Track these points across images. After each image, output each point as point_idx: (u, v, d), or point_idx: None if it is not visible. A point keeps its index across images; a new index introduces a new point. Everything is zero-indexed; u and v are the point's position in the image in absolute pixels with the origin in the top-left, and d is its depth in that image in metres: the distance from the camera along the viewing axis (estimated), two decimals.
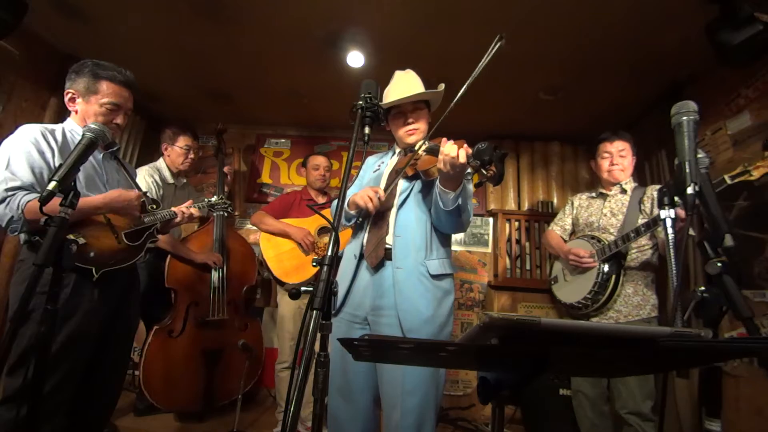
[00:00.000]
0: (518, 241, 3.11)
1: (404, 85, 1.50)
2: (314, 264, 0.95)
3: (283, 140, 3.54)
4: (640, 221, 1.88)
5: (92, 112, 1.50)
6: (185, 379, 2.34)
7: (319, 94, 2.88)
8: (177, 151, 2.52)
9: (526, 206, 3.23)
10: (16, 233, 1.35)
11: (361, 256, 1.46)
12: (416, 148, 1.42)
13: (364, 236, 1.46)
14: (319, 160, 2.75)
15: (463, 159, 1.15)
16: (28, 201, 1.29)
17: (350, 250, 1.52)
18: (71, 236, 1.30)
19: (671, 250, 1.00)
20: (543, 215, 3.13)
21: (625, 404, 1.82)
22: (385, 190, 1.41)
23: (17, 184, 1.32)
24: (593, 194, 2.21)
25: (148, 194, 1.63)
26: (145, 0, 2.04)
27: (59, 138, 1.46)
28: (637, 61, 2.25)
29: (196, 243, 2.58)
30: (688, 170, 0.94)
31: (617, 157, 2.05)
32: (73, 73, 1.52)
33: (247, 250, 2.82)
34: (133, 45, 2.39)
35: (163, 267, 2.41)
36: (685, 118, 1.01)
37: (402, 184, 1.48)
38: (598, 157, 2.14)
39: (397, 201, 1.46)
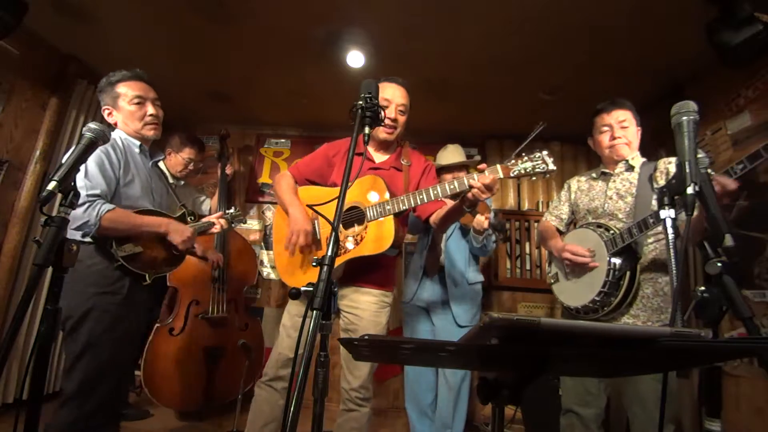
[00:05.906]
0: (518, 241, 3.11)
1: (450, 155, 2.36)
2: (314, 264, 0.94)
3: (283, 140, 3.53)
4: (655, 202, 1.52)
5: (125, 114, 1.60)
6: (186, 377, 2.35)
7: (319, 94, 2.88)
8: (178, 159, 2.55)
9: (526, 206, 3.23)
10: (86, 237, 1.41)
11: (422, 268, 2.22)
12: None
13: (424, 254, 2.23)
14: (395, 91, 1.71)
15: (486, 225, 1.90)
16: (108, 210, 1.40)
17: (414, 261, 2.32)
18: (130, 245, 1.46)
19: (671, 250, 1.00)
20: (543, 215, 3.12)
21: (644, 430, 1.52)
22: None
23: (97, 192, 1.42)
24: (594, 174, 1.84)
25: (186, 206, 1.74)
26: (145, 0, 2.04)
27: (120, 148, 1.55)
28: (637, 61, 2.25)
29: (198, 242, 2.58)
30: (688, 170, 0.94)
31: (618, 129, 1.70)
32: (99, 93, 1.64)
33: (248, 250, 2.82)
34: (133, 45, 2.40)
35: None
36: (685, 118, 1.00)
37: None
38: (596, 133, 1.78)
39: (446, 234, 2.19)
